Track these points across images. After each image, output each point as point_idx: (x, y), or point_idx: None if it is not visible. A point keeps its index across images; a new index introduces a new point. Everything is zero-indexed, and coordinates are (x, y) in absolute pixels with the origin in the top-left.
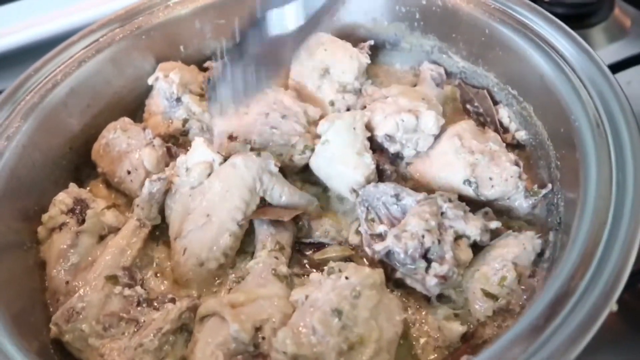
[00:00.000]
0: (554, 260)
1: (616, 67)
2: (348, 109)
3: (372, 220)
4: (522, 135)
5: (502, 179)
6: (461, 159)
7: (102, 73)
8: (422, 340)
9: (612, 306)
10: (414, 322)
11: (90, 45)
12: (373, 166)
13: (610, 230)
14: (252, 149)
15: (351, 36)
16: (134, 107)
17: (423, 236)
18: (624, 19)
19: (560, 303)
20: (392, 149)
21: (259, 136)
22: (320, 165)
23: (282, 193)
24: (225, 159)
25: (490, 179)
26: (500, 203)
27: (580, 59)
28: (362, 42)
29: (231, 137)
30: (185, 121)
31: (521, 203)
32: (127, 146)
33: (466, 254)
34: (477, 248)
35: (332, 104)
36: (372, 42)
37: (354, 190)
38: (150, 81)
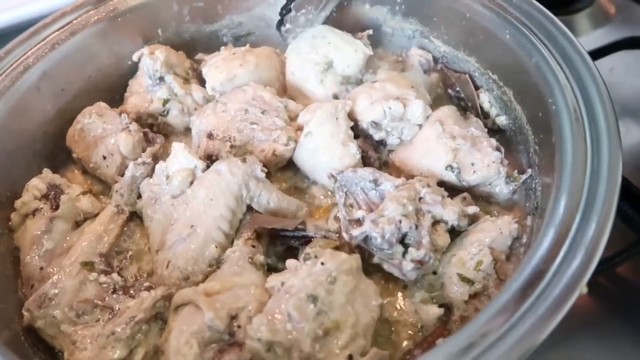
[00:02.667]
0: (530, 244)
1: (599, 53)
2: None
3: (351, 205)
4: (502, 120)
5: (484, 164)
6: (443, 145)
7: (76, 56)
8: (398, 324)
9: (583, 289)
10: (390, 307)
11: (64, 27)
12: (359, 155)
13: (582, 215)
14: (232, 147)
15: (329, 19)
16: (110, 92)
17: (400, 221)
18: (608, 5)
19: (532, 286)
20: (377, 136)
21: (239, 133)
22: (304, 158)
23: (270, 199)
24: (208, 165)
25: (472, 164)
26: (481, 189)
27: (560, 43)
28: (343, 27)
29: (210, 136)
30: (166, 101)
31: (502, 189)
32: (102, 131)
33: (443, 238)
34: (454, 233)
35: (336, 97)
36: (370, 32)
37: (332, 176)
38: (135, 57)
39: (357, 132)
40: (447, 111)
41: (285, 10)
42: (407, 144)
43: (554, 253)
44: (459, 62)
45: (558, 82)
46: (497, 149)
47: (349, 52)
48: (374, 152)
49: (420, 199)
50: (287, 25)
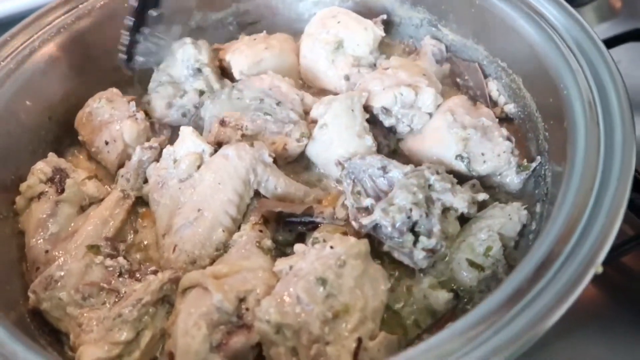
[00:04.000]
0: (540, 231)
1: (606, 45)
2: None
3: (358, 193)
4: (510, 108)
5: (495, 154)
6: (453, 134)
7: (83, 41)
8: (407, 310)
9: (598, 269)
10: (399, 292)
11: (71, 11)
12: (374, 148)
13: (595, 199)
14: (243, 136)
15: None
16: (117, 76)
17: (411, 209)
18: None
19: (544, 267)
20: (387, 122)
21: (252, 122)
22: (319, 151)
23: (278, 184)
24: (215, 150)
25: (483, 154)
26: (492, 179)
27: (571, 28)
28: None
29: (222, 122)
30: (202, 93)
31: (512, 179)
32: (109, 117)
33: (454, 226)
34: (463, 219)
35: (347, 78)
36: (384, 17)
37: (340, 163)
38: (176, 46)
39: (368, 118)
40: (458, 101)
41: (129, 49)
42: (417, 133)
43: (567, 236)
44: (467, 50)
45: (570, 67)
46: (508, 139)
47: (358, 30)
48: (383, 138)
49: (429, 186)
50: (140, 59)
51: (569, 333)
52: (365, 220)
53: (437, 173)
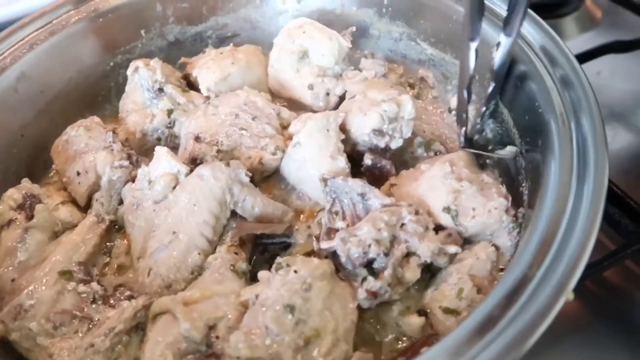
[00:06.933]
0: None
1: (586, 57)
2: (327, 93)
3: (336, 213)
4: (489, 123)
5: (485, 209)
6: (447, 185)
7: (56, 57)
8: (383, 339)
9: (569, 295)
10: (371, 325)
11: (43, 27)
12: (348, 170)
13: (568, 220)
14: (218, 151)
15: (318, 22)
16: (91, 94)
17: (370, 245)
18: (595, 9)
19: (517, 293)
20: (382, 143)
21: (227, 138)
22: (291, 168)
23: (255, 204)
24: (191, 170)
25: (473, 209)
26: (481, 240)
27: (546, 46)
28: (329, 28)
29: (197, 139)
30: (170, 112)
31: (504, 242)
32: (84, 146)
33: (412, 273)
34: (436, 268)
35: (310, 87)
36: (354, 29)
37: (324, 179)
38: (129, 72)
39: (360, 147)
40: (463, 154)
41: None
42: (412, 181)
43: (540, 259)
44: (446, 64)
45: (545, 85)
46: (505, 197)
47: (323, 41)
48: (386, 160)
49: (402, 225)
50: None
51: (549, 348)
52: (324, 245)
53: (416, 213)
